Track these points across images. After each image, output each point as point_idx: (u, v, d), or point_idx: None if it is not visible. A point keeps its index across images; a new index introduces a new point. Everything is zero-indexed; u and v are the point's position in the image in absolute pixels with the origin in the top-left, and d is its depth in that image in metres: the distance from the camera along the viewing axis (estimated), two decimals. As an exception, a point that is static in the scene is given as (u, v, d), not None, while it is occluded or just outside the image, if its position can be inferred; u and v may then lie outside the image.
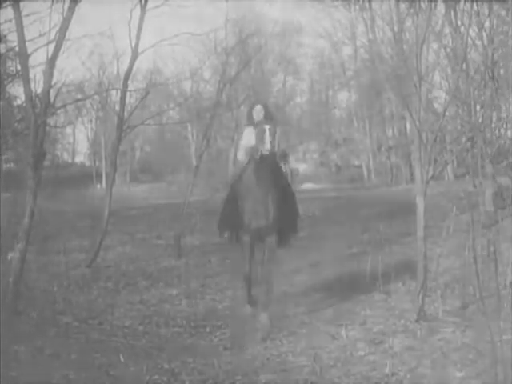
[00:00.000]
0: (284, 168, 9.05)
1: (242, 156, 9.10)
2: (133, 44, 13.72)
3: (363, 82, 28.79)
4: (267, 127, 8.47)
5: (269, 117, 8.93)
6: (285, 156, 8.98)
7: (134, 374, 6.56)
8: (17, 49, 10.85)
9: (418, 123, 8.40)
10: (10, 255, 9.64)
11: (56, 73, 10.40)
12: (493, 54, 11.40)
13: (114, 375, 6.52)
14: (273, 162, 8.66)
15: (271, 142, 8.38)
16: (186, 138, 28.15)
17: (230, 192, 9.25)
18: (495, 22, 11.52)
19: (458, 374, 6.32)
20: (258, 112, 8.96)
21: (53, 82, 9.91)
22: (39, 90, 9.62)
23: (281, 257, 12.67)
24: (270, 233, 8.66)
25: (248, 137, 8.90)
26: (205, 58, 27.94)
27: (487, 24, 11.30)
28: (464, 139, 11.25)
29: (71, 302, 9.97)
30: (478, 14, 10.94)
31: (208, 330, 8.62)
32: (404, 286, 10.28)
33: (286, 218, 8.78)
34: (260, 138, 8.43)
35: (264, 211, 8.55)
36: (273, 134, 8.47)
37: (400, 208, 14.36)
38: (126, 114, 14.11)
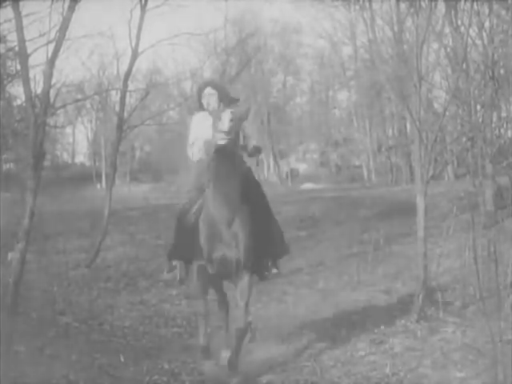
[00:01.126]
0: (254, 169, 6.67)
1: (196, 154, 6.65)
2: (133, 44, 13.72)
3: (363, 82, 28.78)
4: (229, 110, 6.23)
5: (226, 100, 6.66)
6: (257, 152, 6.71)
7: (134, 374, 6.55)
8: (16, 49, 10.85)
9: (418, 123, 8.40)
10: (10, 255, 9.63)
11: (56, 73, 10.40)
12: (493, 54, 11.40)
13: (114, 375, 6.51)
14: (237, 162, 6.38)
15: (231, 128, 6.07)
16: (186, 137, 28.19)
17: (183, 209, 6.74)
18: (495, 21, 11.52)
19: (459, 374, 6.32)
20: (209, 97, 6.70)
21: (53, 82, 9.90)
22: (39, 90, 9.62)
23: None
24: (241, 266, 6.33)
25: (201, 126, 6.63)
26: (205, 58, 27.98)
27: (487, 23, 11.30)
28: (464, 139, 11.26)
29: (71, 302, 9.97)
30: (478, 13, 10.94)
31: (208, 330, 8.59)
32: (404, 285, 10.27)
33: (264, 241, 6.45)
34: (217, 125, 6.12)
35: (231, 236, 6.25)
36: (237, 119, 6.21)
37: (400, 208, 14.37)
38: (125, 114, 14.11)
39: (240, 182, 6.31)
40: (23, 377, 6.27)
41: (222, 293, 7.04)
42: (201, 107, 6.82)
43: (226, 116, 6.07)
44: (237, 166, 6.33)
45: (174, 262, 6.80)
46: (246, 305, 6.43)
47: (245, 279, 6.40)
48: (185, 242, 6.56)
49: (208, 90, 6.73)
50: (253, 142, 6.61)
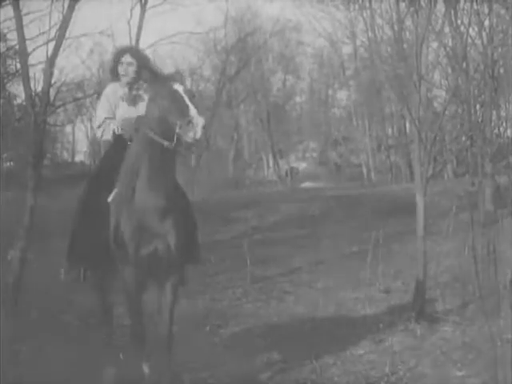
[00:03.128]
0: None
1: (107, 132, 5.76)
2: (133, 43, 13.75)
3: (363, 82, 28.79)
4: (178, 88, 5.25)
5: (147, 74, 5.54)
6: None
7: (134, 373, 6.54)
8: (17, 47, 10.86)
9: (417, 122, 8.40)
10: (10, 254, 9.64)
11: (56, 71, 10.43)
12: (492, 53, 11.40)
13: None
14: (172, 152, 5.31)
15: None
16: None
17: (86, 199, 5.81)
18: (495, 20, 11.51)
19: (458, 373, 6.33)
20: (127, 66, 5.74)
21: (53, 81, 9.92)
22: (39, 89, 9.64)
23: (281, 255, 12.74)
24: (171, 267, 5.51)
25: (113, 100, 5.76)
26: (205, 57, 28.00)
27: (487, 23, 11.30)
28: (464, 138, 11.26)
29: (71, 300, 9.96)
30: (477, 13, 10.93)
31: (208, 328, 8.60)
32: (404, 284, 10.28)
33: (189, 241, 5.69)
34: (178, 107, 5.07)
35: (163, 231, 5.38)
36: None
37: (400, 207, 14.37)
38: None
39: (172, 177, 5.45)
40: (23, 376, 6.27)
41: (140, 300, 5.66)
42: (114, 77, 5.87)
43: (188, 103, 5.10)
44: (173, 154, 5.34)
45: (76, 270, 5.77)
46: (172, 309, 5.63)
47: (175, 279, 5.60)
48: (91, 238, 5.54)
49: (126, 58, 5.76)
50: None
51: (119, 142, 5.71)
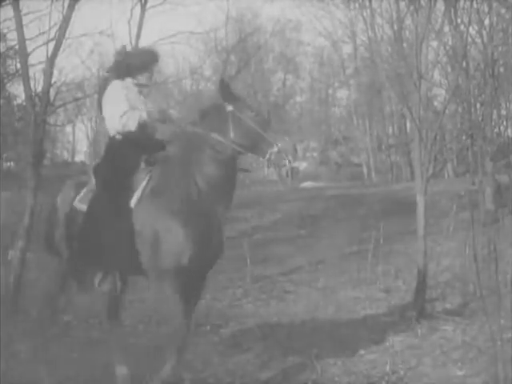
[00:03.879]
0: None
1: (132, 123, 5.54)
2: (133, 43, 13.72)
3: (363, 81, 28.82)
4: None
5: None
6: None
7: (135, 373, 6.54)
8: (17, 47, 10.85)
9: (417, 121, 8.40)
10: (10, 254, 9.63)
11: (56, 71, 10.45)
12: (493, 52, 11.40)
13: (115, 373, 6.49)
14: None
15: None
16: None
17: (96, 200, 5.55)
18: (495, 19, 11.52)
19: (459, 373, 6.32)
20: (146, 78, 5.76)
21: (53, 81, 9.92)
22: (39, 89, 9.64)
23: (281, 255, 12.74)
24: (213, 265, 5.81)
25: (124, 94, 5.59)
26: (205, 57, 28.00)
27: (487, 22, 11.31)
28: (464, 137, 11.27)
29: (71, 300, 9.95)
30: (477, 11, 10.94)
31: (208, 328, 8.59)
32: (404, 284, 10.28)
33: None
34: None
35: (218, 232, 5.63)
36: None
37: (400, 206, 14.37)
38: (125, 112, 14.09)
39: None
40: (23, 376, 6.26)
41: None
42: (125, 75, 5.67)
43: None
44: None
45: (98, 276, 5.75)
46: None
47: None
48: (105, 244, 5.38)
49: (153, 66, 5.72)
50: None
51: (128, 141, 5.59)
